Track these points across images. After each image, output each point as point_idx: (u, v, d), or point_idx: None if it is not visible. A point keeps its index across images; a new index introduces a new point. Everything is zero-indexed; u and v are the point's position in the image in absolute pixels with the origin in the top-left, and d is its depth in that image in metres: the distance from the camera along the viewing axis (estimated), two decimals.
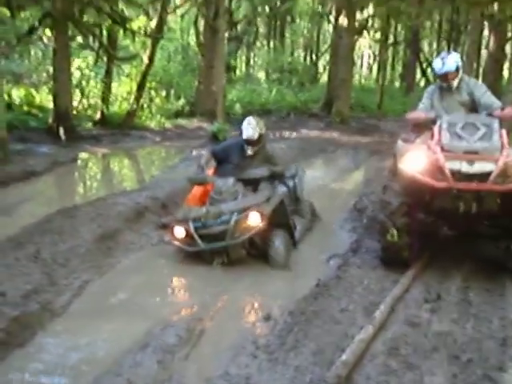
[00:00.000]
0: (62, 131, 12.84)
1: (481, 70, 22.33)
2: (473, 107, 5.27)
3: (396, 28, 29.25)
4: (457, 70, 5.18)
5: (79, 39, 15.11)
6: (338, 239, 6.35)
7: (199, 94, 18.03)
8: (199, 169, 5.89)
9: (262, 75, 28.49)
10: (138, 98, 15.64)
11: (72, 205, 6.96)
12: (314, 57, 31.38)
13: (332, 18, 22.13)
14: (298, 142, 14.04)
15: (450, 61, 5.18)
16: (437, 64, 5.28)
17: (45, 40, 15.40)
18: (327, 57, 27.37)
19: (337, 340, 3.75)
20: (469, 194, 4.57)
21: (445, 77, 5.23)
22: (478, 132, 4.62)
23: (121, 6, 14.88)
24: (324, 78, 27.27)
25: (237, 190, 5.51)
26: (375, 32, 27.51)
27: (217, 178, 5.68)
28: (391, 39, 29.22)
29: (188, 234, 5.30)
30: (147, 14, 15.51)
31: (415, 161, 4.69)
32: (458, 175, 4.51)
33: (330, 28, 26.00)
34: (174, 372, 3.47)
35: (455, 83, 5.24)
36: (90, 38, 14.39)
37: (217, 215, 5.27)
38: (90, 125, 15.11)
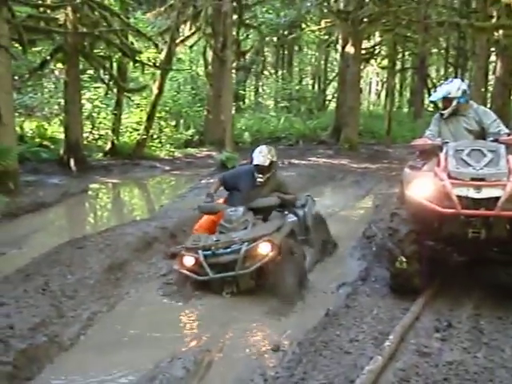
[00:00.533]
0: (72, 162, 13.01)
1: (489, 95, 22.37)
2: (481, 135, 5.26)
3: (403, 55, 29.49)
4: (446, 98, 5.28)
5: (90, 72, 15.41)
6: (348, 267, 6.30)
7: (208, 123, 18.23)
8: (208, 197, 5.91)
9: (270, 103, 28.75)
10: (147, 128, 15.82)
11: (81, 235, 7.00)
12: (321, 85, 31.63)
13: (339, 47, 22.35)
14: (306, 170, 14.07)
15: (439, 92, 5.40)
16: (438, 89, 5.53)
17: (56, 73, 15.75)
18: (335, 84, 27.60)
19: (346, 371, 3.69)
20: (477, 220, 4.53)
21: (444, 102, 5.32)
22: (484, 158, 4.61)
23: (130, 38, 15.18)
24: (332, 106, 27.43)
25: (247, 219, 5.50)
26: (382, 59, 27.75)
27: (227, 207, 5.69)
28: (398, 66, 29.45)
29: (197, 263, 5.24)
30: (156, 45, 15.77)
31: (422, 187, 4.68)
32: (465, 201, 4.49)
33: (338, 56, 26.24)
34: None
35: (447, 112, 5.31)
36: (101, 71, 14.63)
37: (227, 244, 5.24)
38: (100, 155, 15.29)
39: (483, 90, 19.88)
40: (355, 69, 18.11)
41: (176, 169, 14.68)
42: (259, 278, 5.30)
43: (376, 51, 25.81)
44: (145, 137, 15.76)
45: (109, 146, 15.66)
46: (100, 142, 16.31)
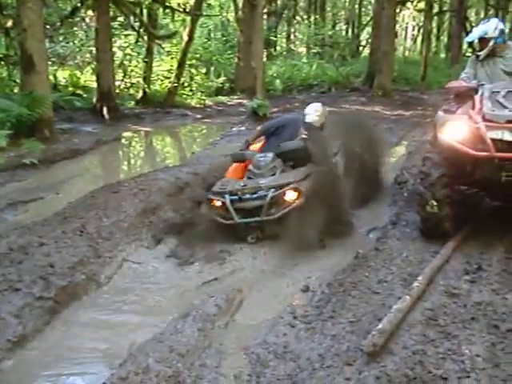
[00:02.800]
0: (105, 110, 13.13)
1: None
2: None
3: None
4: (483, 38, 5.12)
5: (120, 19, 15.32)
6: (379, 213, 6.29)
7: (239, 70, 18.04)
8: (245, 144, 5.92)
9: (302, 50, 28.16)
10: (178, 76, 15.78)
11: (115, 181, 7.15)
12: (355, 30, 30.75)
13: None
14: (339, 117, 13.87)
15: (475, 32, 5.25)
16: (474, 30, 5.36)
17: (87, 20, 15.69)
18: (369, 29, 26.80)
19: (374, 310, 3.76)
20: (511, 163, 4.44)
21: (481, 42, 5.18)
22: None
23: None
24: (366, 52, 26.75)
25: (275, 165, 5.49)
26: (419, 1, 26.68)
27: (256, 153, 5.68)
28: (436, 9, 28.30)
29: (223, 207, 5.29)
30: None
31: (455, 130, 4.59)
32: (500, 145, 4.38)
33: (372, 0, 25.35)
34: (213, 340, 3.57)
35: (483, 53, 5.16)
36: (131, 18, 14.53)
37: (253, 190, 5.26)
38: (132, 103, 15.39)
39: None
40: (390, 12, 17.46)
41: (207, 117, 14.68)
42: (285, 224, 5.26)
43: None
44: (176, 85, 15.75)
45: (140, 94, 15.74)
46: (132, 91, 16.39)
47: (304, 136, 5.75)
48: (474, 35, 5.25)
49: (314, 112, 5.70)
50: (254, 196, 5.21)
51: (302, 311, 3.87)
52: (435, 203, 4.76)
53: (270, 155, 5.56)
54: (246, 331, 3.75)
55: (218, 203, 5.33)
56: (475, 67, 5.33)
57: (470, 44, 5.46)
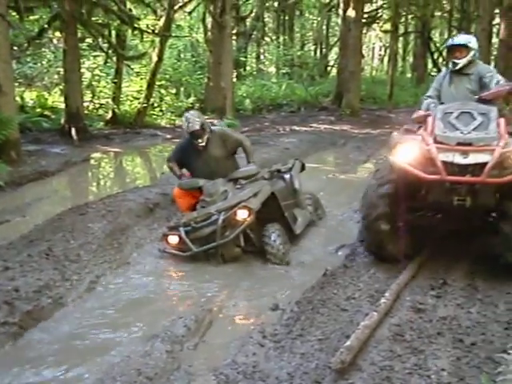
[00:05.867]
0: (73, 131, 12.99)
1: (492, 58, 22.08)
2: None
3: (406, 18, 29.03)
4: (466, 46, 4.94)
5: (89, 40, 15.28)
6: (347, 230, 6.37)
7: (209, 90, 18.10)
8: (182, 177, 5.88)
9: (272, 70, 28.48)
10: (148, 97, 15.75)
11: (83, 203, 7.07)
12: (323, 50, 31.28)
13: (340, 11, 22.02)
14: (308, 136, 14.06)
15: (462, 37, 5.10)
16: (455, 38, 5.19)
17: (55, 42, 15.61)
18: (337, 50, 27.30)
19: (343, 327, 3.80)
20: (463, 187, 4.33)
21: (453, 50, 5.02)
22: (474, 121, 4.38)
23: (128, 5, 15.01)
24: (334, 72, 27.19)
25: (226, 189, 5.50)
26: (384, 23, 27.35)
27: (206, 181, 5.62)
28: (401, 30, 29.01)
29: (181, 240, 5.33)
30: (155, 12, 15.59)
31: (407, 153, 4.45)
32: (451, 167, 4.26)
33: (339, 21, 25.86)
34: (182, 362, 3.54)
35: (462, 62, 4.94)
36: (100, 39, 14.50)
37: (205, 217, 5.29)
38: (101, 124, 15.27)
39: (486, 52, 19.59)
40: (357, 33, 17.88)
41: (177, 137, 14.60)
42: (246, 245, 5.34)
43: (378, 15, 25.43)
44: (145, 105, 15.71)
45: (110, 114, 15.63)
46: (101, 111, 16.26)
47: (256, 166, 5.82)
48: (460, 40, 5.02)
49: (187, 123, 5.64)
50: (207, 222, 5.24)
51: (271, 330, 3.88)
52: (379, 221, 4.68)
53: (220, 181, 5.53)
54: (215, 352, 3.73)
55: (175, 237, 5.37)
56: (441, 86, 5.19)
57: (450, 48, 5.11)
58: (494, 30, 22.40)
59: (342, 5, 21.27)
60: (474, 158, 4.23)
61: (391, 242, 4.76)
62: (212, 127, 5.96)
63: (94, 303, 4.52)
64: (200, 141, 5.72)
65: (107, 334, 4.02)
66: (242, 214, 5.18)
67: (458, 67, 4.99)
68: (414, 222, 4.84)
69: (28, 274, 4.60)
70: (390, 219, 4.69)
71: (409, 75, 32.75)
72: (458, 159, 4.26)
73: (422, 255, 5.04)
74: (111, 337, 3.98)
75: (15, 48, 13.76)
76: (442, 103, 5.01)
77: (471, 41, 5.00)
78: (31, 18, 14.15)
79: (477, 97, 4.78)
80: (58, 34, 14.95)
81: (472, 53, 4.95)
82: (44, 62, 17.86)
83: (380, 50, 39.45)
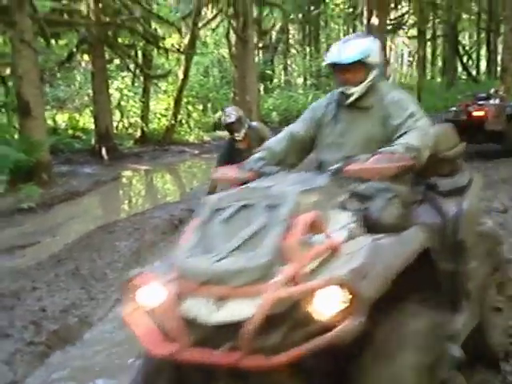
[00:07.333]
0: (104, 151, 13.30)
1: None
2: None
3: (433, 22, 28.77)
4: (362, 63, 2.56)
5: (116, 61, 15.65)
6: None
7: (235, 105, 18.23)
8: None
9: (299, 81, 28.54)
10: (175, 114, 16.02)
11: (112, 221, 7.19)
12: None
13: (364, 20, 21.98)
14: None
15: (352, 48, 2.57)
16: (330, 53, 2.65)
17: (83, 65, 16.03)
18: None
19: None
20: (220, 371, 1.90)
21: (340, 71, 2.63)
22: (251, 226, 1.97)
23: (153, 25, 15.31)
24: None
25: None
26: (409, 29, 27.17)
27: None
28: (429, 35, 28.74)
29: None
30: (179, 31, 15.85)
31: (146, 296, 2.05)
32: (198, 330, 1.88)
33: (364, 29, 25.82)
34: None
35: (356, 91, 2.61)
36: (126, 59, 14.83)
37: None
38: (131, 143, 15.58)
39: None
40: (380, 40, 17.78)
41: (205, 152, 14.81)
42: None
43: (404, 21, 25.27)
44: (173, 122, 15.98)
45: (139, 133, 15.94)
46: (130, 130, 16.62)
47: None
48: (350, 54, 2.55)
49: (224, 117, 5.71)
50: None
51: None
52: None
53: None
54: None
55: None
56: (318, 126, 2.79)
57: (334, 66, 2.64)
58: None
59: (365, 13, 21.21)
60: (228, 312, 1.84)
61: None
62: (251, 123, 5.97)
63: (120, 322, 4.56)
64: (236, 134, 5.78)
65: (132, 352, 4.04)
66: None
67: (350, 100, 2.66)
68: None
69: (55, 294, 4.69)
70: None
71: (439, 80, 32.37)
72: (207, 313, 1.86)
73: None
74: (135, 355, 4.00)
75: (46, 73, 14.19)
76: (321, 162, 2.75)
77: (369, 51, 2.59)
78: (60, 42, 14.57)
79: (361, 157, 2.36)
80: (86, 57, 15.36)
81: (373, 72, 2.63)
82: (75, 85, 18.37)
83: (409, 55, 39.15)
